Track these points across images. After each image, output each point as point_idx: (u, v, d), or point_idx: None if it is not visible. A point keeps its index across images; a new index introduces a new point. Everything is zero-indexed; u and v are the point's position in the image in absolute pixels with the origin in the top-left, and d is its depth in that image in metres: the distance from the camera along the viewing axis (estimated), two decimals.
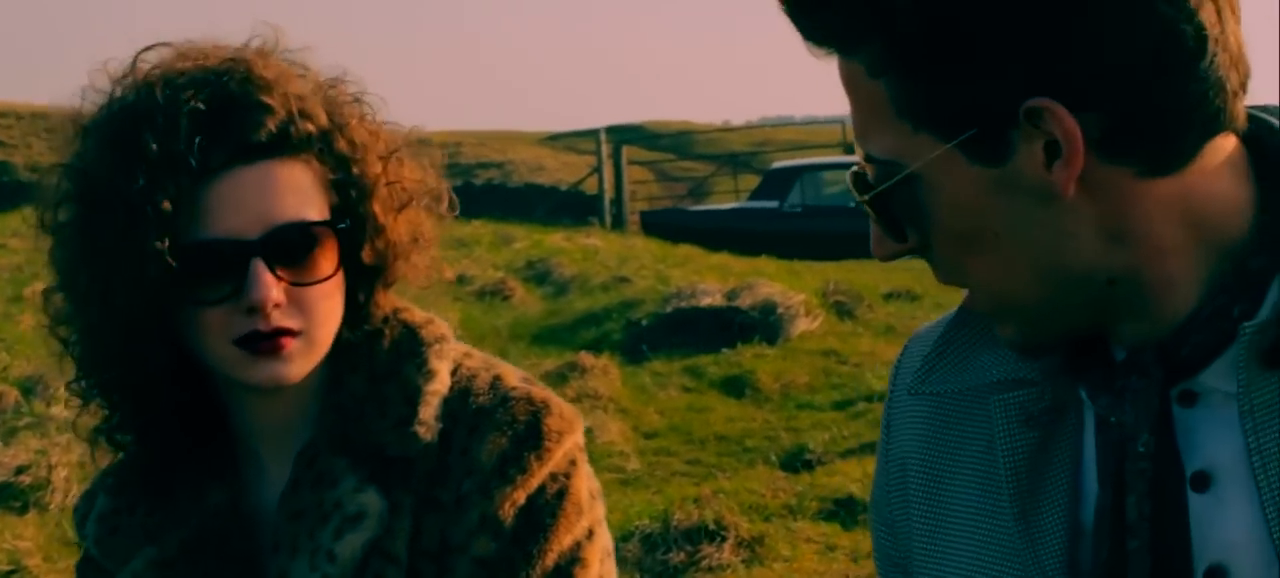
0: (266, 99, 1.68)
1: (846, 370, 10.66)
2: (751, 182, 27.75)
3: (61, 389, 8.92)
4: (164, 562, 1.76)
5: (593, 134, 27.27)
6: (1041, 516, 1.38)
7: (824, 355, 11.03)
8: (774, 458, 8.62)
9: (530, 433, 1.75)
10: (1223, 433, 1.30)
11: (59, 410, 8.73)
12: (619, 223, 23.53)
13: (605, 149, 25.17)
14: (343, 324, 1.77)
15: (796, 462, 8.51)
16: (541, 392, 1.79)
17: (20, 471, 8.34)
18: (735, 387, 10.33)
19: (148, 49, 1.73)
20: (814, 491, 7.79)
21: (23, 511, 8.03)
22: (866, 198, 1.34)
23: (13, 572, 7.11)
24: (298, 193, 1.68)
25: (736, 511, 7.27)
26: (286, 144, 1.68)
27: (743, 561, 6.87)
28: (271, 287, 1.65)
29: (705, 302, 11.70)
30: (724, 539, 6.93)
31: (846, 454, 8.54)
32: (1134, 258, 1.29)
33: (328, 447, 1.76)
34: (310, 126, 1.69)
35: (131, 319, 1.67)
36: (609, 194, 24.58)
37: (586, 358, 10.74)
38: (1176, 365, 1.32)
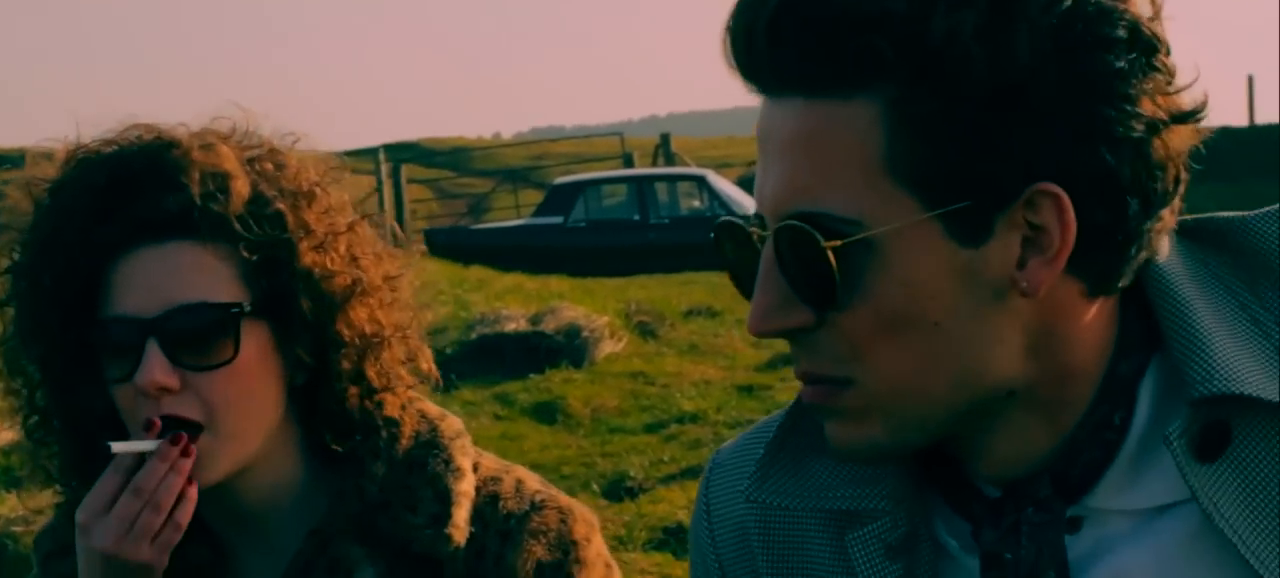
0: (176, 177, 1.64)
1: (655, 392, 10.69)
2: (532, 196, 27.76)
3: None
4: None
5: (371, 153, 26.89)
6: None
7: (631, 377, 11.03)
8: (595, 487, 8.58)
9: (567, 542, 1.75)
10: (1119, 552, 1.27)
11: None
12: (399, 243, 23.26)
13: (385, 168, 24.84)
14: (326, 431, 1.73)
15: (619, 490, 8.49)
16: (562, 496, 1.80)
17: None
18: (546, 413, 10.27)
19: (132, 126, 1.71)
20: (642, 520, 7.78)
21: None
22: (789, 257, 1.20)
23: None
24: (204, 275, 1.64)
25: None
26: (194, 225, 1.64)
27: None
28: (156, 368, 1.61)
29: (510, 327, 11.61)
30: None
31: (668, 480, 8.55)
32: (1044, 374, 1.24)
33: (346, 532, 1.71)
34: (223, 209, 1.64)
35: (61, 391, 1.69)
36: (390, 214, 24.28)
37: None
38: (1066, 491, 1.27)
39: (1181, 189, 1.23)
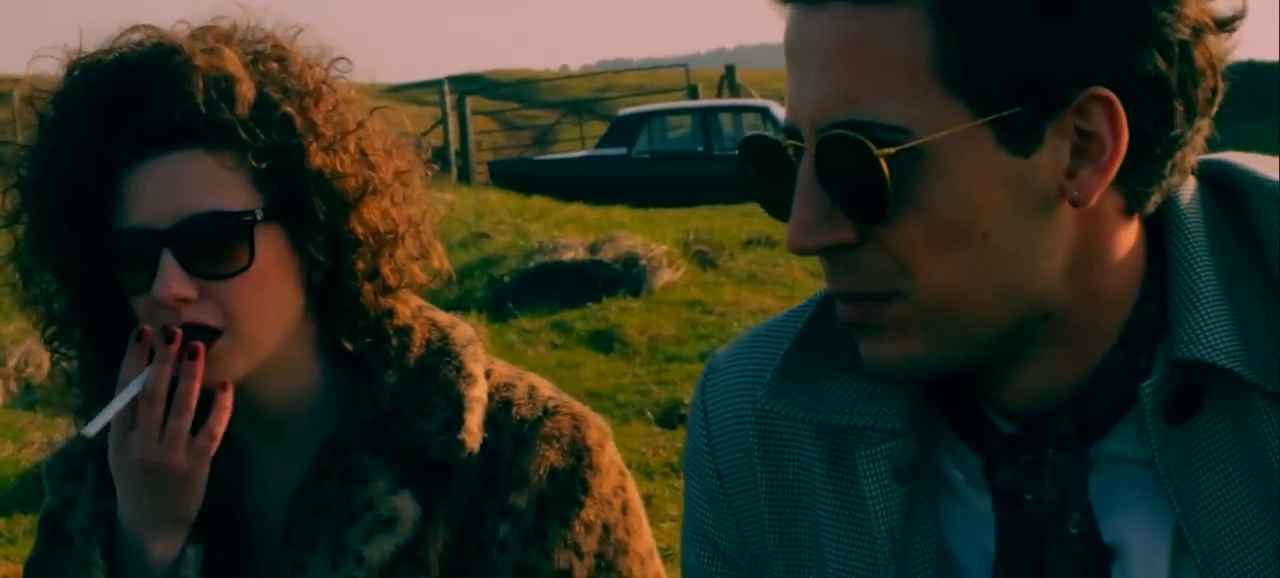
0: (180, 85, 1.63)
1: (712, 321, 10.70)
2: (597, 128, 27.73)
3: None
4: None
5: (436, 85, 26.95)
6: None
7: (689, 306, 11.05)
8: (649, 414, 8.62)
9: (580, 448, 1.74)
10: (1125, 501, 1.24)
11: None
12: (466, 175, 23.34)
13: (449, 100, 24.89)
14: (342, 328, 1.74)
15: (672, 417, 8.50)
16: (574, 403, 1.79)
17: None
18: (603, 342, 10.31)
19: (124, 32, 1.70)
20: None
21: None
22: (833, 169, 1.16)
23: None
24: (215, 184, 1.64)
25: None
26: (200, 133, 1.63)
27: None
28: (173, 280, 1.61)
29: (568, 256, 11.64)
30: None
31: None
32: (1079, 297, 1.21)
33: (359, 442, 1.71)
34: (229, 115, 1.63)
35: (78, 301, 1.70)
36: (455, 146, 24.33)
37: None
38: (1085, 432, 1.24)
39: (1218, 101, 1.20)
